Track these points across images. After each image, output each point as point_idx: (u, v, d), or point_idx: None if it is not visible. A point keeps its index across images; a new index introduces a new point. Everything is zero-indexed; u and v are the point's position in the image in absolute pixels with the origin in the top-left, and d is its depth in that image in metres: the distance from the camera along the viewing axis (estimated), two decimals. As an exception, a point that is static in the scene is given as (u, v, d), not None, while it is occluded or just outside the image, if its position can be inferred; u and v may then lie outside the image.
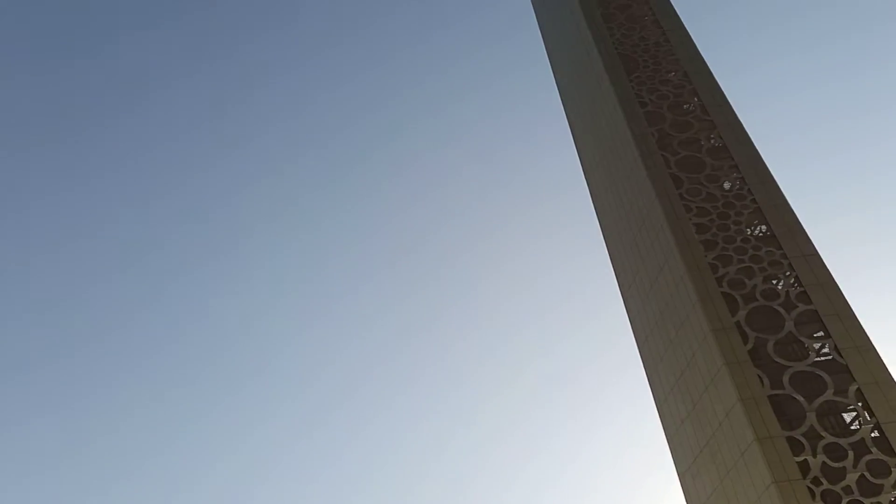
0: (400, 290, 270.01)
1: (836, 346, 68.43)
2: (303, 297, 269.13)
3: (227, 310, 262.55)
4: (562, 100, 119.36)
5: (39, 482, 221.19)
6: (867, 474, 60.36)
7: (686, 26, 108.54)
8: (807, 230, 79.18)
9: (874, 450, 61.75)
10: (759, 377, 66.97)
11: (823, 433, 62.86)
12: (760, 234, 79.64)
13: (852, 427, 63.89)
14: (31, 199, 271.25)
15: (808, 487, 59.91)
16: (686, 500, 75.91)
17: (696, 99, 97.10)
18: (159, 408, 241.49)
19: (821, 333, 70.00)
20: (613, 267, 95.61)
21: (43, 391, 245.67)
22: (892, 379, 65.92)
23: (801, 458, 61.49)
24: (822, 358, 68.31)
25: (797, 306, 72.19)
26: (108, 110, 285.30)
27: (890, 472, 60.70)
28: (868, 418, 63.63)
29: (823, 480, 60.28)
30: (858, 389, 65.33)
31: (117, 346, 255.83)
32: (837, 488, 59.80)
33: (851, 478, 60.22)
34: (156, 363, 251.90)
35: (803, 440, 62.61)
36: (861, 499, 59.31)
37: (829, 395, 65.19)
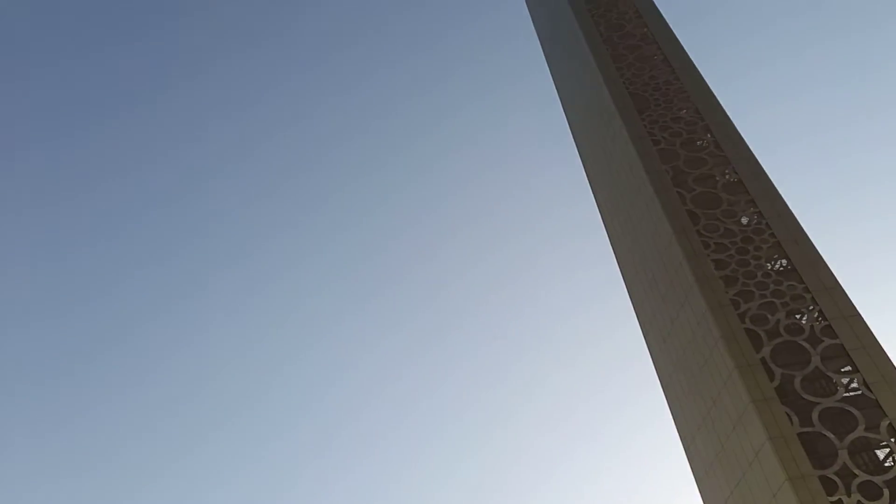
0: (418, 297, 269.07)
1: (864, 380, 67.04)
2: (321, 303, 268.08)
3: (242, 320, 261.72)
4: (575, 141, 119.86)
5: (55, 490, 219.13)
6: (905, 513, 58.60)
7: (697, 66, 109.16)
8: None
9: (911, 487, 60.04)
10: (788, 415, 65.60)
11: (857, 471, 61.24)
12: (781, 269, 78.80)
13: (886, 464, 62.22)
14: (41, 200, 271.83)
15: (845, 528, 58.19)
16: (718, 544, 74.00)
17: (708, 135, 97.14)
18: (175, 416, 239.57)
19: (848, 368, 68.66)
20: (633, 305, 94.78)
21: (58, 397, 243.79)
22: (925, 413, 64.39)
23: (835, 498, 59.82)
24: (852, 393, 66.90)
25: (822, 340, 71.00)
26: (121, 110, 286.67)
27: (928, 510, 58.91)
28: (902, 454, 62.00)
29: (860, 520, 58.57)
30: (890, 424, 63.78)
31: (131, 353, 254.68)
32: (875, 528, 58.04)
33: (889, 517, 58.46)
34: (173, 370, 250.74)
35: (836, 479, 60.98)
36: (900, 539, 57.51)
37: (860, 431, 63.66)
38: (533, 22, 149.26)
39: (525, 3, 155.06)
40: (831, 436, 63.73)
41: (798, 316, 74.23)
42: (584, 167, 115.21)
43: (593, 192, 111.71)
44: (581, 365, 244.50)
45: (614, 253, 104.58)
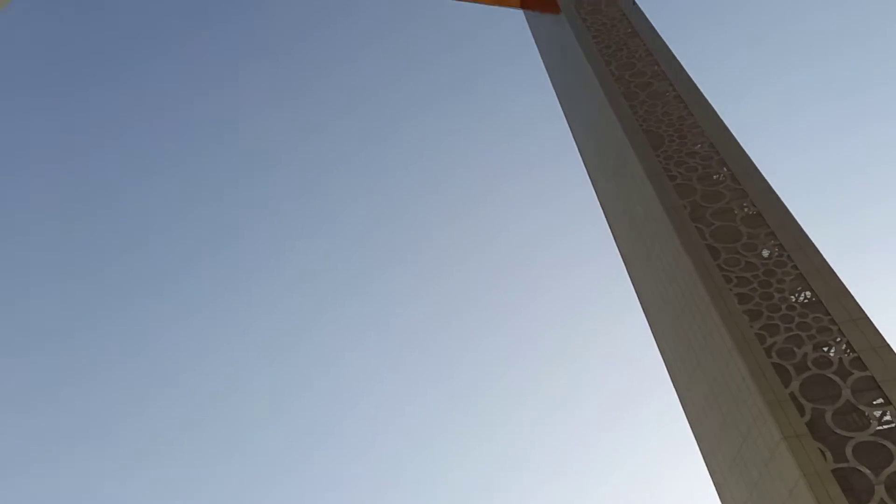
0: (417, 288, 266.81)
1: (898, 412, 65.74)
2: (314, 292, 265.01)
3: (233, 306, 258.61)
4: (591, 180, 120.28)
5: (37, 476, 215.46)
6: (948, 549, 56.96)
7: (709, 100, 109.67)
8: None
9: (953, 522, 58.43)
10: (821, 451, 64.34)
11: (896, 507, 59.76)
12: (805, 301, 77.99)
13: (926, 499, 60.71)
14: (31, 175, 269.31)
15: (887, 567, 56.61)
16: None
17: (724, 169, 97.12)
18: (160, 404, 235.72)
19: (880, 400, 67.41)
20: (657, 342, 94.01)
21: (39, 377, 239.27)
22: (963, 444, 62.92)
23: (875, 536, 58.34)
24: (885, 426, 65.56)
25: (852, 373, 69.88)
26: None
27: (973, 546, 57.24)
28: (942, 488, 60.49)
29: (902, 559, 56.98)
30: (928, 458, 62.34)
31: (112, 338, 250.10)
32: (918, 567, 56.41)
33: (932, 554, 56.84)
34: (160, 354, 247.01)
35: (875, 516, 59.53)
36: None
37: (896, 465, 62.24)
38: (546, 69, 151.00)
39: (538, 50, 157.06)
40: (867, 471, 62.35)
41: (826, 348, 73.23)
42: (602, 208, 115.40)
43: (612, 231, 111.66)
44: (602, 398, 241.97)
45: (635, 290, 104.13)
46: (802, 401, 68.43)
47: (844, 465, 63.03)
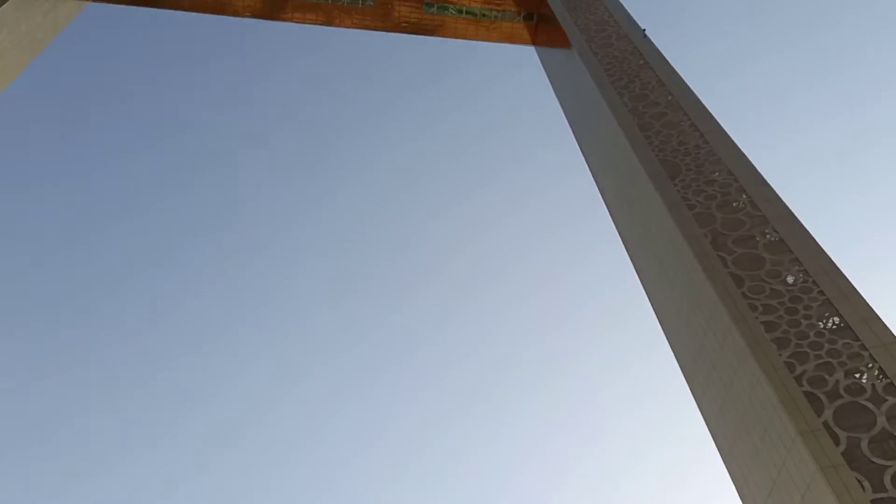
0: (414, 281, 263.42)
1: (936, 439, 64.14)
2: (312, 285, 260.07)
3: (220, 297, 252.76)
4: (609, 212, 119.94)
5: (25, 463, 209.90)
6: None
7: (724, 128, 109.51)
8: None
9: None
10: (859, 481, 62.71)
11: (940, 538, 57.99)
12: (834, 327, 76.73)
13: (971, 528, 58.89)
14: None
15: None
16: None
17: (744, 196, 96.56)
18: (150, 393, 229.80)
19: (917, 427, 65.82)
20: (684, 374, 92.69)
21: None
22: None
23: (920, 569, 56.52)
24: (924, 453, 63.93)
25: (886, 399, 68.38)
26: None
27: None
28: None
29: (950, 592, 55.10)
30: (970, 485, 60.59)
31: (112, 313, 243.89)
32: None
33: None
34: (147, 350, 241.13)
35: (919, 547, 57.75)
36: None
37: (938, 494, 60.54)
38: (559, 102, 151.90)
39: (550, 85, 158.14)
40: (908, 501, 60.65)
41: (857, 375, 71.81)
42: (621, 238, 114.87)
43: (632, 263, 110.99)
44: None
45: (658, 320, 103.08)
46: (837, 429, 66.94)
47: (883, 494, 61.36)
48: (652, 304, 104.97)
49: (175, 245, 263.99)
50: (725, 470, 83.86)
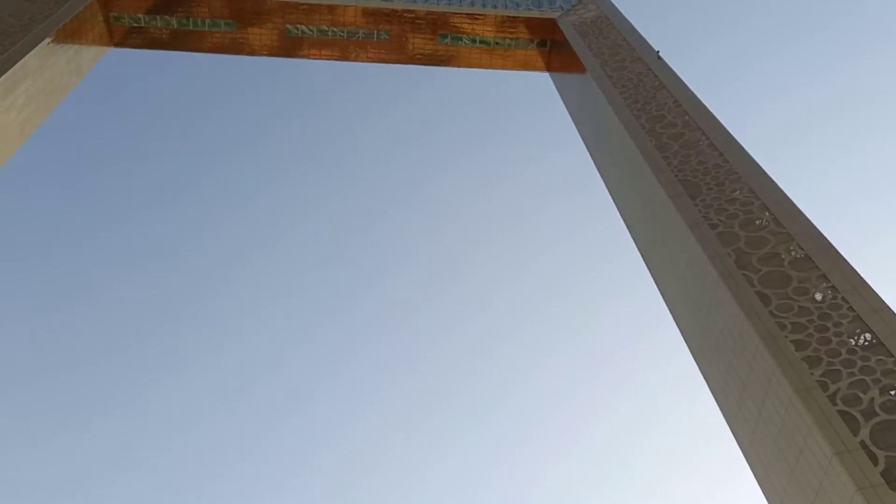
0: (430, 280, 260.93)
1: (978, 455, 62.43)
2: (321, 290, 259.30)
3: (216, 292, 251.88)
4: (631, 235, 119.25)
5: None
6: None
7: (741, 144, 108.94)
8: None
9: None
10: (900, 501, 61.08)
11: None
12: (866, 343, 75.31)
13: None
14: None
15: None
16: None
17: (766, 213, 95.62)
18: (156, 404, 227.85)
19: (958, 443, 64.14)
20: (714, 397, 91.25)
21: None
22: None
23: (970, 591, 54.71)
24: (967, 471, 62.22)
25: (924, 416, 66.74)
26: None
27: None
28: None
29: None
30: None
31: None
32: None
33: None
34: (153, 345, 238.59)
35: (967, 569, 55.95)
36: None
37: (984, 512, 58.77)
38: (576, 127, 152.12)
39: (566, 109, 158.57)
40: (953, 521, 58.93)
41: (893, 392, 70.26)
42: (644, 260, 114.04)
43: (657, 286, 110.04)
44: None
45: (685, 341, 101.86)
46: (874, 449, 65.37)
47: (927, 515, 59.66)
48: (678, 325, 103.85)
49: (183, 244, 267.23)
50: (761, 492, 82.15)
